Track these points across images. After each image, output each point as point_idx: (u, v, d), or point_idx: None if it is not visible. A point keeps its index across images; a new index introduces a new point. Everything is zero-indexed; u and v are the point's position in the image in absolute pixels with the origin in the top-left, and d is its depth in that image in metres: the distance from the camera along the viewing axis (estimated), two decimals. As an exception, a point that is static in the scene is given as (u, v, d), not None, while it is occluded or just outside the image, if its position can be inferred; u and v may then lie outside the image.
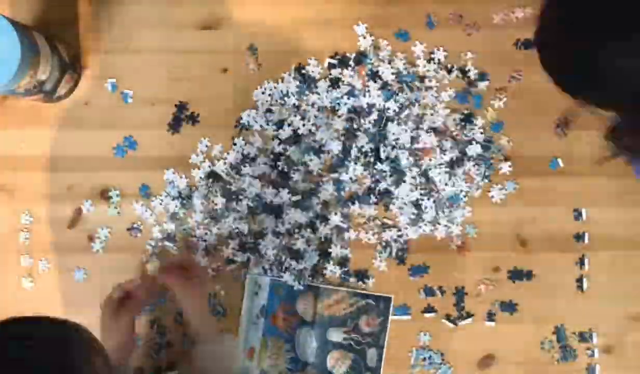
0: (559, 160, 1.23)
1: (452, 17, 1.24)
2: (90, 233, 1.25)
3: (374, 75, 1.22)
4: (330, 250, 1.21)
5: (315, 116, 1.22)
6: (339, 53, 1.23)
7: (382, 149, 1.20)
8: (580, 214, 1.23)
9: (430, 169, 1.21)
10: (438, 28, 1.24)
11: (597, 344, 1.23)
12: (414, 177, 1.21)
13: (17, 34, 1.03)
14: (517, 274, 1.23)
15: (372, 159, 1.21)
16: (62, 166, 1.25)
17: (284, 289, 1.22)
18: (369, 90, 1.21)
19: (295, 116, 1.22)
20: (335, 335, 1.21)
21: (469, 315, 1.22)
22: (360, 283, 1.22)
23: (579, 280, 1.23)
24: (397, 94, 1.21)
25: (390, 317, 1.21)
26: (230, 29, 1.24)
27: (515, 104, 1.23)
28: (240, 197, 1.22)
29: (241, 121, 1.23)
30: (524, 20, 1.23)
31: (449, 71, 1.23)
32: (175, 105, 1.25)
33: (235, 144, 1.23)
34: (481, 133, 1.22)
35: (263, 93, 1.23)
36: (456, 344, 1.23)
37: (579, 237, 1.23)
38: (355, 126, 1.22)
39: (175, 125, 1.25)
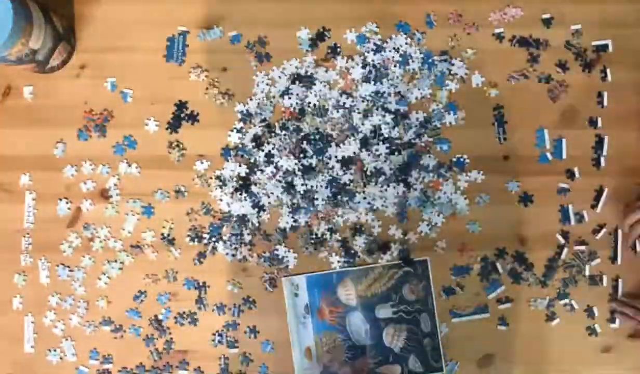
0: (548, 154, 1.23)
1: (451, 17, 1.24)
2: (90, 233, 1.25)
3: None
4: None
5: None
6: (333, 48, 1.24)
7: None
8: (579, 213, 1.24)
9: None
10: (438, 27, 1.24)
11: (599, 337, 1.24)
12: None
13: (10, 0, 1.02)
14: (516, 272, 1.23)
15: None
16: (61, 165, 1.25)
17: (321, 283, 1.22)
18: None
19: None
20: (384, 312, 1.22)
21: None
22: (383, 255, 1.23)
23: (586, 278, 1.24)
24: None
25: (432, 278, 1.22)
26: (230, 27, 1.25)
27: (514, 103, 1.24)
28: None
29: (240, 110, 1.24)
30: (519, 19, 1.24)
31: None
32: (175, 104, 1.25)
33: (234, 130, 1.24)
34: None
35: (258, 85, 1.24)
36: (456, 342, 1.23)
37: (579, 236, 1.24)
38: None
39: (174, 124, 1.25)
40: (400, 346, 1.21)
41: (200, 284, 1.24)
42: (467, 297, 1.23)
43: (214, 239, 1.24)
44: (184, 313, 1.24)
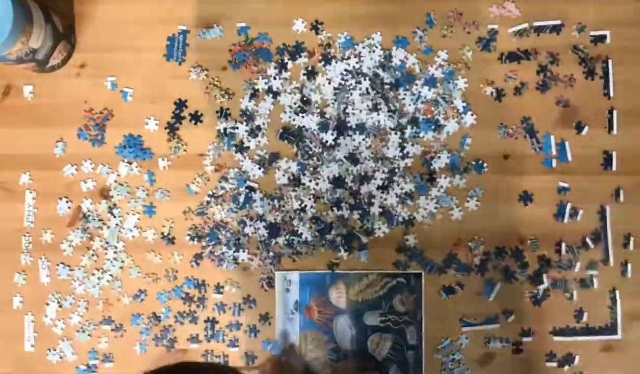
0: (553, 160, 1.23)
1: (452, 15, 1.24)
2: (90, 232, 1.25)
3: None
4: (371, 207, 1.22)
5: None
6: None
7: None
8: (576, 212, 1.24)
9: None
10: (438, 26, 1.24)
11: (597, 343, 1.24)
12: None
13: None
14: (512, 270, 1.23)
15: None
16: (61, 165, 1.25)
17: (314, 282, 1.23)
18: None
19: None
20: (372, 319, 1.22)
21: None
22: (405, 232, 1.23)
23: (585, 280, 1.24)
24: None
25: (424, 293, 1.22)
26: (229, 27, 1.25)
27: (516, 102, 1.24)
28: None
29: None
30: (517, 18, 1.24)
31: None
32: (175, 103, 1.25)
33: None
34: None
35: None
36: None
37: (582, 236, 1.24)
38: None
39: (175, 123, 1.25)
40: (383, 355, 1.22)
41: (200, 283, 1.24)
42: (468, 297, 1.23)
43: (212, 243, 1.24)
44: (184, 312, 1.24)
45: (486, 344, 1.23)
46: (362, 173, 1.22)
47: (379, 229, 1.22)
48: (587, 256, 1.23)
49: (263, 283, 1.23)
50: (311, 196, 1.23)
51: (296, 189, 1.23)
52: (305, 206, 1.22)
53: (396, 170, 1.22)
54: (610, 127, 1.23)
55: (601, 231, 1.23)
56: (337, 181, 1.22)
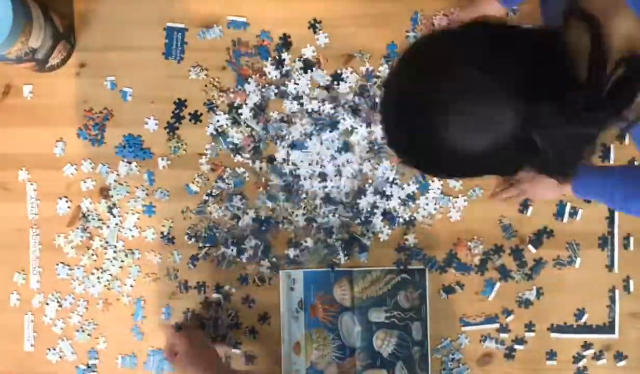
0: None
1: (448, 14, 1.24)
2: (90, 231, 1.25)
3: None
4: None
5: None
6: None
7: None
8: (576, 211, 1.23)
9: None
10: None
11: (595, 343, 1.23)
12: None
13: None
14: (509, 269, 1.23)
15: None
16: (61, 164, 1.25)
17: (318, 280, 1.22)
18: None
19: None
20: (377, 315, 1.22)
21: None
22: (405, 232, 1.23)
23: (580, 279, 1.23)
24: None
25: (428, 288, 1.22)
26: (229, 26, 1.25)
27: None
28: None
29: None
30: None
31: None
32: (174, 102, 1.25)
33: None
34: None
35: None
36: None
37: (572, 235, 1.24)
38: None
39: (174, 122, 1.25)
40: (389, 351, 1.22)
41: (200, 283, 1.24)
42: (468, 296, 1.23)
43: (208, 244, 1.24)
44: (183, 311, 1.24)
45: (481, 342, 1.22)
46: (357, 188, 1.22)
47: (382, 233, 1.22)
48: (587, 253, 1.23)
49: (263, 283, 1.23)
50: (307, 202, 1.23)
51: (290, 194, 1.23)
52: (305, 211, 1.23)
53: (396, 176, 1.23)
54: (610, 126, 1.23)
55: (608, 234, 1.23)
56: (328, 199, 1.23)
